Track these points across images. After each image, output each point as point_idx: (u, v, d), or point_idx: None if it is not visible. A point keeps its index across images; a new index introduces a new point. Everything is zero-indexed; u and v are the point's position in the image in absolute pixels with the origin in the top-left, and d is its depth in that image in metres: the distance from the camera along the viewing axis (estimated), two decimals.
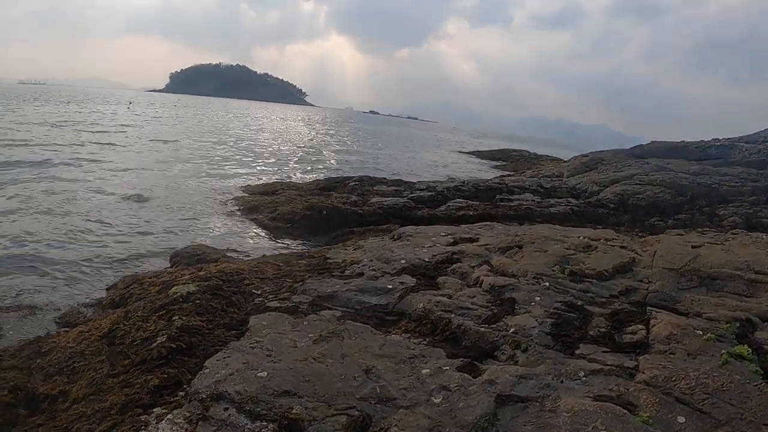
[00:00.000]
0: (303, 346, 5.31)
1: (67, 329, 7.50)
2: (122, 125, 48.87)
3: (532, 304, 6.29)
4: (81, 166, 23.10)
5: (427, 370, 4.86)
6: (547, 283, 6.96)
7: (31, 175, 19.61)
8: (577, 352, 5.20)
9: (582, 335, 5.54)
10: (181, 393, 4.78)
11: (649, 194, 19.57)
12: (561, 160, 45.40)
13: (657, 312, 6.09)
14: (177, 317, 6.30)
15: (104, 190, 18.33)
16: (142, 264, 11.34)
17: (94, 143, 32.02)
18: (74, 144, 30.28)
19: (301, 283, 7.44)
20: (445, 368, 4.90)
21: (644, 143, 31.97)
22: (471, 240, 9.53)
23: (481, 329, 5.62)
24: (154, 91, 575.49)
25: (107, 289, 9.55)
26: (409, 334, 5.80)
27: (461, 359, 5.10)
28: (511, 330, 5.57)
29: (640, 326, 5.71)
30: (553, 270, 7.48)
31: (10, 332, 7.68)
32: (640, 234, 13.81)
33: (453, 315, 5.97)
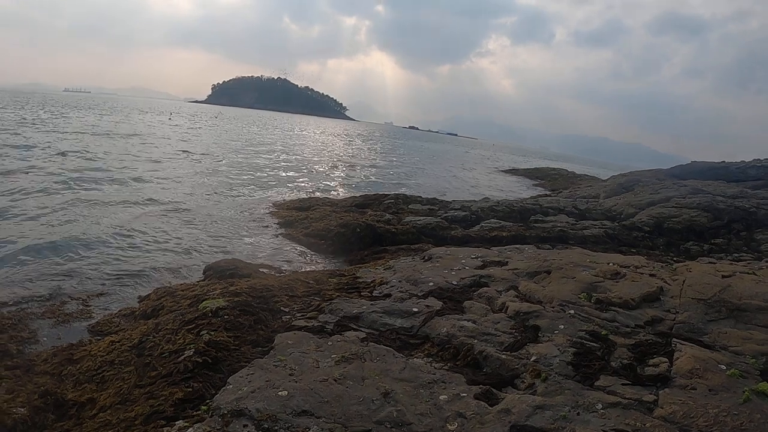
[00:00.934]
0: (325, 367, 5.38)
1: (99, 338, 7.63)
2: (163, 137, 49.26)
3: (556, 332, 6.26)
4: (119, 177, 23.26)
5: (445, 397, 4.88)
6: (572, 311, 6.92)
7: (72, 185, 19.89)
8: (596, 383, 5.15)
9: (603, 366, 5.48)
10: (204, 407, 4.83)
11: (685, 218, 19.26)
12: (599, 179, 45.05)
13: (681, 344, 6.00)
14: (205, 332, 6.41)
15: (142, 201, 18.49)
16: (176, 276, 11.43)
17: (135, 155, 32.40)
18: (114, 155, 30.64)
19: (328, 302, 7.52)
20: (463, 395, 4.91)
21: (683, 163, 31.67)
22: (500, 263, 9.49)
23: (503, 356, 5.61)
24: (196, 101, 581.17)
25: (140, 300, 9.66)
26: (431, 358, 5.83)
27: (480, 386, 5.10)
28: (533, 358, 5.56)
29: (663, 359, 5.63)
30: (579, 297, 7.43)
31: (44, 338, 7.79)
32: (674, 258, 13.64)
33: (476, 341, 5.97)
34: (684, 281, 8.19)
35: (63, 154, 27.89)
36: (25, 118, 52.76)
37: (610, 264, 9.17)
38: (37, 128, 42.55)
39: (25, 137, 34.45)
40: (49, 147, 30.21)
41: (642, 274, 8.68)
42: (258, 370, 5.28)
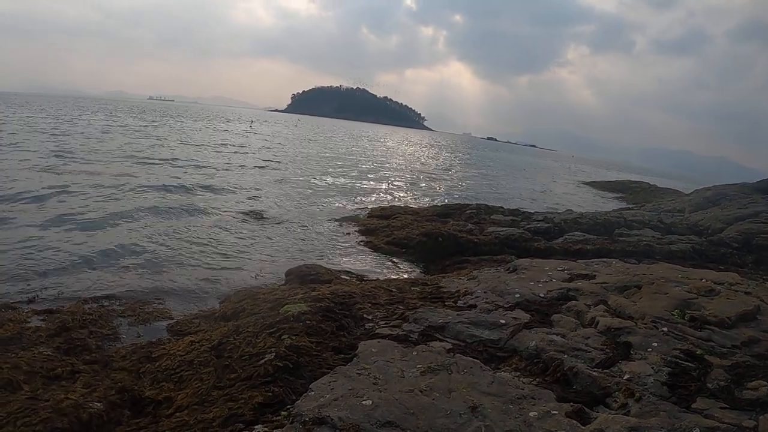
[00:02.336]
0: (410, 377, 5.26)
1: (178, 337, 7.73)
2: (247, 146, 50.32)
3: (649, 350, 5.98)
4: (205, 183, 23.97)
5: (535, 413, 4.70)
6: (665, 329, 6.61)
7: (162, 191, 20.60)
8: (693, 406, 4.86)
9: (699, 388, 5.19)
10: (284, 413, 4.74)
11: None
12: (681, 193, 44.24)
13: None
14: (286, 336, 6.36)
15: (225, 206, 19.02)
16: (257, 279, 11.56)
17: (218, 162, 33.45)
18: (199, 162, 31.50)
19: (413, 311, 7.40)
20: (553, 412, 4.72)
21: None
22: (587, 277, 9.22)
23: (594, 373, 5.38)
24: (276, 111, 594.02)
25: (221, 302, 9.78)
26: (518, 373, 5.63)
27: (571, 404, 4.92)
28: (626, 377, 5.30)
29: (763, 382, 5.29)
30: (672, 314, 7.11)
31: (124, 336, 7.97)
32: (764, 277, 13.20)
33: (565, 356, 5.75)
34: None
35: (155, 162, 28.81)
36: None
37: (703, 280, 8.79)
38: (138, 136, 44.31)
39: (117, 144, 35.83)
40: (144, 153, 31.29)
41: (737, 291, 8.28)
42: (341, 378, 5.19)
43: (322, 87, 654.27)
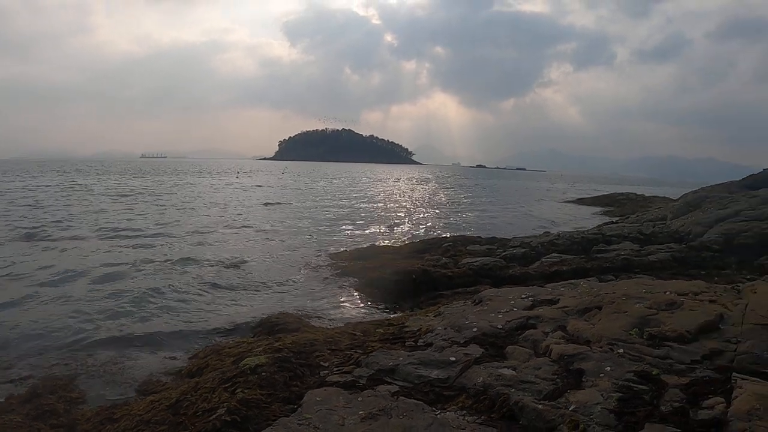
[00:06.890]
0: (350, 424, 5.21)
1: (144, 397, 7.77)
2: (229, 198, 50.80)
3: (601, 375, 5.80)
4: (181, 236, 24.71)
5: None
6: (621, 350, 6.43)
7: (136, 245, 21.31)
8: None
9: (650, 412, 4.98)
10: None
11: (756, 231, 18.21)
12: (671, 199, 44.39)
13: (742, 380, 5.38)
14: (240, 390, 6.39)
15: (199, 257, 19.26)
16: (229, 332, 11.51)
17: (201, 215, 34.16)
18: (183, 222, 31.64)
19: (367, 355, 7.31)
20: None
21: (756, 172, 30.63)
22: (551, 302, 9.03)
23: (539, 407, 5.21)
24: (264, 159, 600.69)
25: (190, 358, 9.78)
26: (465, 412, 5.51)
27: None
28: (572, 407, 5.13)
29: (720, 399, 5.05)
30: (630, 334, 6.91)
31: (92, 398, 8.05)
32: (748, 277, 12.96)
33: (513, 390, 5.62)
34: (746, 305, 7.47)
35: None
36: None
37: (666, 293, 8.48)
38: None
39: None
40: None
41: (701, 301, 7.95)
42: (281, 429, 5.19)
43: (308, 131, 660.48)
